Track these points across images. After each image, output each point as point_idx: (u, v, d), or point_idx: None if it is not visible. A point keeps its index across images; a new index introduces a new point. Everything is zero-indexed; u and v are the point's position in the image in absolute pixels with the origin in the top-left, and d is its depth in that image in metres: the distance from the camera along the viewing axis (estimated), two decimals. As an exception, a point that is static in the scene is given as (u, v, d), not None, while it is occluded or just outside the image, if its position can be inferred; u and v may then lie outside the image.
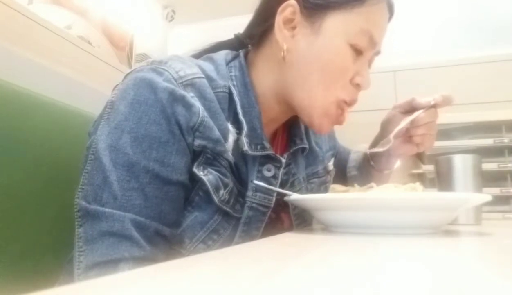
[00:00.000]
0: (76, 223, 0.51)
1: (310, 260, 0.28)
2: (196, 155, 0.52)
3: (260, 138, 0.56)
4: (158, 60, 0.54)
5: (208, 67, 0.57)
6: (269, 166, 0.58)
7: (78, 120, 0.71)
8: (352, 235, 0.47)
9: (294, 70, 0.57)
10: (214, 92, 0.54)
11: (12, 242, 0.63)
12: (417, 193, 0.50)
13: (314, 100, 0.56)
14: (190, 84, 0.52)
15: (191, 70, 0.54)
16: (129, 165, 0.48)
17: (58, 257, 0.65)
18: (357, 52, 0.56)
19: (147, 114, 0.49)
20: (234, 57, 0.61)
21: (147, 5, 1.51)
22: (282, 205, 0.61)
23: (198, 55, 0.63)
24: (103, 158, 0.49)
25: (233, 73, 0.58)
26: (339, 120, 0.59)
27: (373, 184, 0.52)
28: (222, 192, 0.53)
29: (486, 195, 0.50)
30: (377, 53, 0.61)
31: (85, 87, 0.99)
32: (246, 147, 0.55)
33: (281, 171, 0.59)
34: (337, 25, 0.55)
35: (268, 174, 0.57)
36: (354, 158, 0.80)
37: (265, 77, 0.60)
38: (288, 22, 0.57)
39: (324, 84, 0.56)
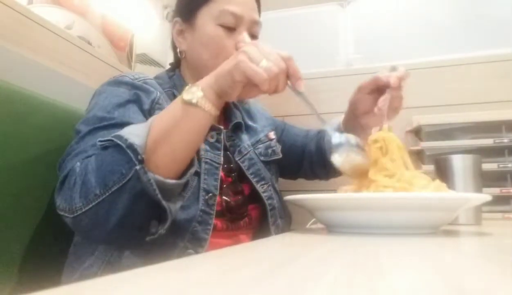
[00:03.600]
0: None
1: (310, 260, 0.28)
2: None
3: None
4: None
5: (156, 79, 0.78)
6: (212, 133, 0.75)
7: (78, 120, 0.70)
8: (352, 235, 0.47)
9: (193, 61, 0.78)
10: (163, 90, 0.74)
11: (13, 242, 0.63)
12: (417, 193, 0.50)
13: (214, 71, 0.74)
14: (144, 82, 0.71)
15: (143, 75, 0.74)
16: (97, 119, 0.63)
17: (58, 257, 0.65)
18: (229, 28, 0.74)
19: (112, 95, 0.67)
20: (173, 74, 0.82)
21: (147, 5, 1.51)
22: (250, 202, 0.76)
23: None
24: (79, 128, 0.64)
25: (173, 82, 0.79)
26: None
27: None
28: None
29: (486, 195, 0.50)
30: (256, 23, 0.77)
31: (85, 87, 0.99)
32: None
33: (223, 136, 0.76)
34: (204, 17, 0.75)
35: (211, 140, 0.74)
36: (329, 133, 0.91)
37: (191, 78, 0.79)
38: (181, 32, 0.80)
39: (212, 59, 0.73)
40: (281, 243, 0.44)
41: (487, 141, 1.06)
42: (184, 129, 0.55)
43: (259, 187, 0.77)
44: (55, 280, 0.61)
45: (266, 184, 0.79)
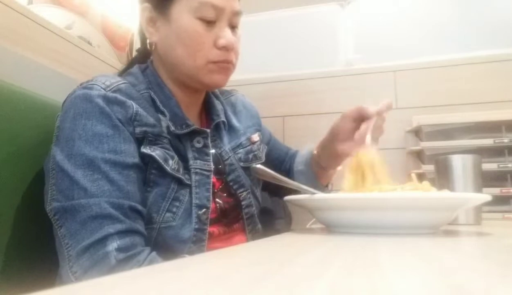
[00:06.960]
0: (56, 226, 0.56)
1: (310, 260, 0.28)
2: (140, 141, 0.62)
3: (183, 120, 0.68)
4: (85, 81, 0.65)
5: (129, 79, 0.69)
6: (198, 138, 0.70)
7: (78, 120, 0.71)
8: (352, 235, 0.47)
9: (167, 56, 0.70)
10: (139, 94, 0.67)
11: (13, 242, 0.63)
12: (417, 193, 0.50)
13: (191, 69, 0.68)
14: (117, 89, 0.63)
15: (115, 79, 0.65)
16: (88, 161, 0.56)
17: (57, 258, 0.65)
18: (208, 22, 0.67)
19: (89, 119, 0.58)
20: (146, 67, 0.73)
21: (147, 5, 1.51)
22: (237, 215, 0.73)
23: (120, 74, 0.74)
24: (64, 166, 0.56)
25: (148, 79, 0.71)
26: (224, 72, 0.70)
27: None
28: (170, 162, 0.63)
29: (486, 195, 0.50)
30: (236, 14, 0.70)
31: (85, 87, 0.98)
32: (173, 128, 0.66)
33: (209, 141, 0.71)
34: (181, 8, 0.67)
35: (198, 145, 0.70)
36: (302, 154, 0.91)
37: (165, 73, 0.72)
38: (151, 20, 0.70)
39: (189, 55, 0.67)
40: (281, 243, 0.44)
41: (487, 141, 1.06)
42: None
43: (238, 194, 0.74)
44: (50, 279, 0.61)
45: (245, 191, 0.76)
